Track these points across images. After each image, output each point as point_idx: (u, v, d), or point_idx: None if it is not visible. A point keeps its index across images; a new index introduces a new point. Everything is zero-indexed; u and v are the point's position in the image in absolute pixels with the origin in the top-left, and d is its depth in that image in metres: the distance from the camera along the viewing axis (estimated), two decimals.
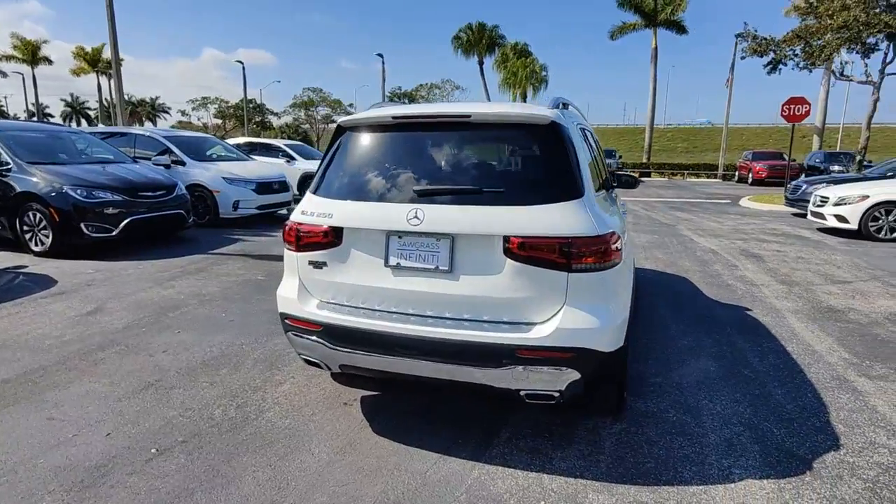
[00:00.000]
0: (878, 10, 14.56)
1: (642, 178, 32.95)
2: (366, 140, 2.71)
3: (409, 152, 2.66)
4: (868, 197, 9.28)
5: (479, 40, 35.33)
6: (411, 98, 42.31)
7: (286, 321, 2.71)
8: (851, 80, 17.04)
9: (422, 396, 3.14)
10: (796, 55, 17.01)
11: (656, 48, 36.83)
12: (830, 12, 15.43)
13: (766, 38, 17.58)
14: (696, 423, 2.88)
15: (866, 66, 16.51)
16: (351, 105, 51.74)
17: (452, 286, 2.39)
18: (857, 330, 4.47)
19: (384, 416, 2.95)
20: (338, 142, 2.76)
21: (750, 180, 26.63)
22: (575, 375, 2.27)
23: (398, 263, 2.46)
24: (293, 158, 13.86)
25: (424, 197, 2.41)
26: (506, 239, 2.29)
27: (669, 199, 17.78)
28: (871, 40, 15.08)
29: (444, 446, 2.64)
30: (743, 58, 18.32)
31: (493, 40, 36.14)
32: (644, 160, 38.05)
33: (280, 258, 2.87)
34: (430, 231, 2.37)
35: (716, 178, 33.48)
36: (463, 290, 2.37)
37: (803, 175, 19.82)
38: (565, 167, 2.39)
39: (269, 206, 10.39)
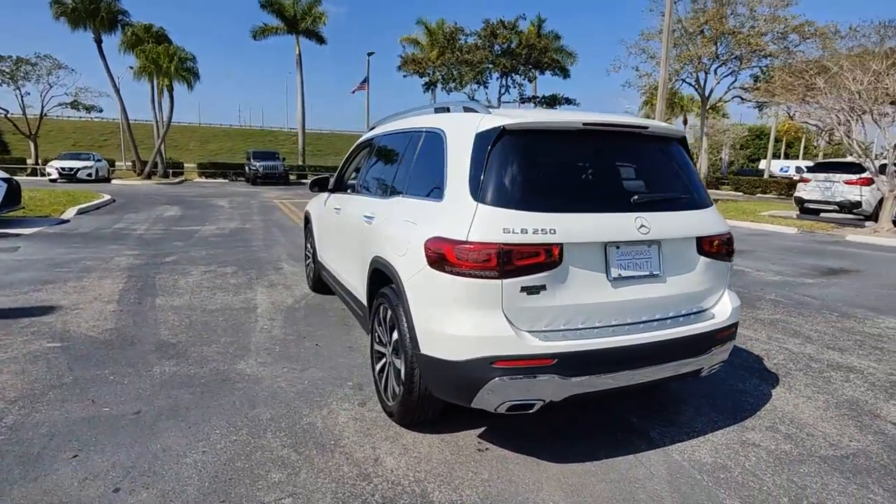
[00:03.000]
0: (497, 54, 19.58)
1: (303, 181, 33.97)
2: (548, 145, 2.42)
3: (593, 159, 2.53)
4: None
5: (92, 12, 28.33)
6: None
7: (493, 365, 2.19)
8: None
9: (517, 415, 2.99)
10: (444, 79, 21.02)
11: (300, 55, 38.12)
12: (466, 49, 19.76)
13: (423, 61, 21.02)
14: None
15: (486, 94, 21.95)
16: None
17: (661, 288, 2.51)
18: None
19: (535, 445, 2.70)
20: (504, 146, 2.35)
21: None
22: (732, 344, 2.79)
23: (619, 275, 2.39)
24: None
25: (641, 205, 2.43)
26: (699, 239, 2.59)
27: None
28: (496, 75, 20.17)
29: (622, 449, 2.69)
30: (405, 76, 21.36)
31: (114, 15, 29.70)
32: (300, 163, 39.04)
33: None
34: (650, 238, 2.42)
35: None
36: (670, 291, 2.53)
37: None
38: (697, 175, 2.84)
39: None
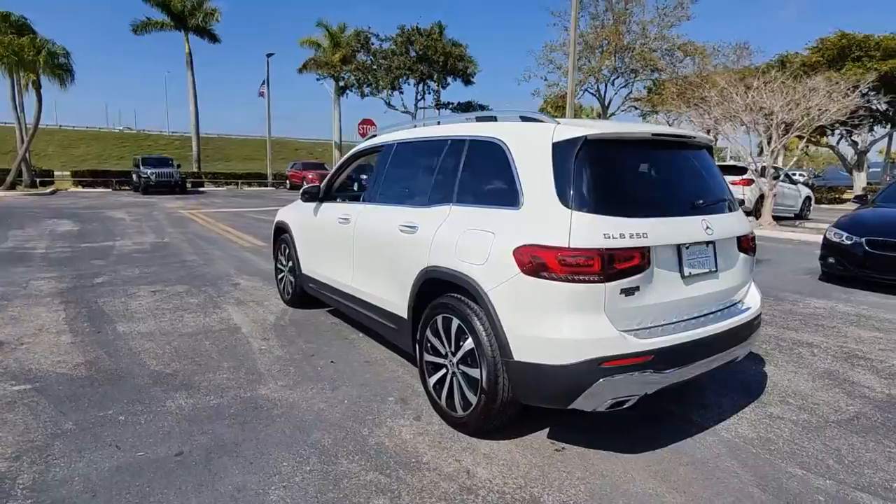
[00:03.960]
0: (413, 59, 19.70)
1: (200, 189, 31.54)
2: (624, 154, 2.55)
3: (660, 167, 2.70)
4: None
5: None
6: None
7: (601, 366, 2.27)
8: (396, 110, 22.32)
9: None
10: (360, 83, 20.73)
11: (190, 53, 35.41)
12: (382, 54, 19.68)
13: (327, 64, 20.54)
14: None
15: (402, 99, 22.00)
16: None
17: (716, 283, 2.76)
18: None
19: (603, 440, 2.82)
20: (589, 155, 2.43)
21: (304, 187, 30.69)
22: (760, 331, 3.13)
23: (689, 273, 2.60)
24: None
25: (703, 208, 2.65)
26: (739, 238, 2.89)
27: (269, 207, 18.33)
28: (412, 81, 20.27)
29: (679, 434, 2.89)
30: (318, 79, 20.73)
31: None
32: (195, 169, 36.16)
33: None
34: (711, 239, 2.65)
35: (268, 186, 35.43)
36: (722, 285, 2.79)
37: None
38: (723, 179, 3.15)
39: None
